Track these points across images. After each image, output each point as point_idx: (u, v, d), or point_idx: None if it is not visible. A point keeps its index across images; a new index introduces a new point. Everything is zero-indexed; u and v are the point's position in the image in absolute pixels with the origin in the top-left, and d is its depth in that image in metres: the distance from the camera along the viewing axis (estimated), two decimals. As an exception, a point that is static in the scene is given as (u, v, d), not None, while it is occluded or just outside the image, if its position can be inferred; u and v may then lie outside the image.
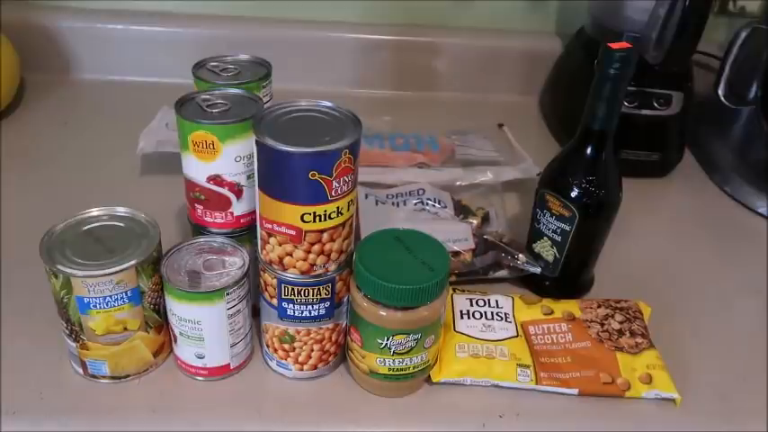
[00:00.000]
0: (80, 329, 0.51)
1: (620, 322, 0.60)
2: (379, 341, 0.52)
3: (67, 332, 0.52)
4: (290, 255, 0.49)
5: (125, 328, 0.52)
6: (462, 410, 0.55)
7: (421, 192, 0.72)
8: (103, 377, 0.54)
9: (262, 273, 0.53)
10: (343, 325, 0.55)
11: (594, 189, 0.59)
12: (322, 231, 0.48)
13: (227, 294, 0.51)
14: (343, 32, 1.01)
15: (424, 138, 0.84)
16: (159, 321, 0.55)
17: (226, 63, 0.62)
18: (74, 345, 0.53)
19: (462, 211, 0.71)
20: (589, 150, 0.59)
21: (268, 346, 0.56)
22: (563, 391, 0.56)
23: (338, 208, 0.48)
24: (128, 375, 0.54)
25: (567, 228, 0.61)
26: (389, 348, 0.52)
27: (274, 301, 0.52)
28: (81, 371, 0.54)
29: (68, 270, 0.49)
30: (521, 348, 0.58)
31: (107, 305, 0.50)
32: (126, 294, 0.50)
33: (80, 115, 0.92)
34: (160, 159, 0.78)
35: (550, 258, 0.64)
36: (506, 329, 0.59)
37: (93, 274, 0.49)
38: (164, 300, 0.53)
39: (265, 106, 0.53)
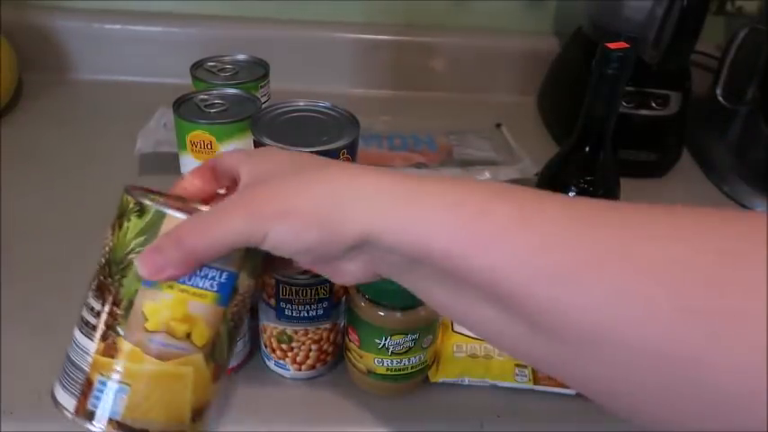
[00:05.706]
0: (123, 315, 0.34)
1: (618, 322, 0.60)
2: (377, 341, 0.52)
3: (94, 319, 0.35)
4: (288, 255, 0.49)
5: (188, 335, 0.34)
6: (460, 411, 0.55)
7: (419, 192, 0.72)
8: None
9: (260, 273, 0.52)
10: (341, 325, 0.55)
11: (592, 189, 0.59)
12: (320, 231, 0.48)
13: (226, 294, 0.50)
14: (341, 32, 1.00)
15: (421, 138, 0.84)
16: (226, 355, 0.36)
17: (224, 63, 0.62)
18: (92, 344, 0.35)
19: (460, 211, 0.71)
20: (587, 150, 0.59)
21: (266, 346, 0.56)
22: (561, 391, 0.56)
23: (336, 208, 0.47)
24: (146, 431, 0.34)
25: (565, 228, 0.61)
26: (387, 348, 0.52)
27: (272, 302, 0.52)
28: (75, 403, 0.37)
29: (161, 207, 0.33)
30: (519, 348, 0.57)
31: (189, 279, 0.33)
32: (219, 275, 0.34)
33: (78, 115, 0.92)
34: (158, 159, 0.78)
35: (548, 258, 0.64)
36: (504, 329, 0.59)
37: None
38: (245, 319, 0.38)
39: (263, 106, 0.53)
